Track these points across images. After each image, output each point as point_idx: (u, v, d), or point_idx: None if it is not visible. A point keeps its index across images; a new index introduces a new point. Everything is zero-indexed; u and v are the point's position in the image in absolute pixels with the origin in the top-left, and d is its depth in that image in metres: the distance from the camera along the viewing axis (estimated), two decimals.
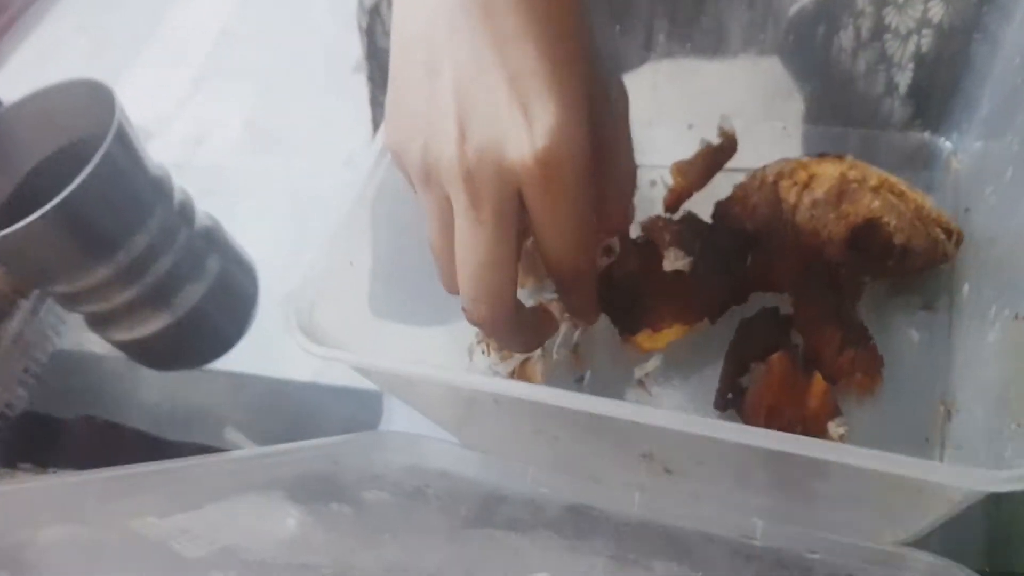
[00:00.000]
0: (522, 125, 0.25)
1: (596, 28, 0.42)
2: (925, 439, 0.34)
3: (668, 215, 0.44)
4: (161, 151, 0.78)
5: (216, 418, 0.50)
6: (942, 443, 0.33)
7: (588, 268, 0.31)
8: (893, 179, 0.37)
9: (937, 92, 0.41)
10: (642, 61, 0.53)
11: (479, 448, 0.40)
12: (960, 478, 0.21)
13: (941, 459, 0.33)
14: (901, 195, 0.37)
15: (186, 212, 0.46)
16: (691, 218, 0.41)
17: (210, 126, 0.87)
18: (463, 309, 0.29)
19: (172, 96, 0.93)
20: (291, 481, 0.34)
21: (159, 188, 0.44)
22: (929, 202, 0.37)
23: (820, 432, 0.34)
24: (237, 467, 0.34)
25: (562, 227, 0.28)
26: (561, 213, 0.27)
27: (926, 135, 0.43)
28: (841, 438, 0.33)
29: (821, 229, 0.37)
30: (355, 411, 0.51)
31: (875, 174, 0.37)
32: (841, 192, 0.37)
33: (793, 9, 0.45)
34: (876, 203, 0.36)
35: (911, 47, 0.40)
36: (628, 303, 0.37)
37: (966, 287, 0.36)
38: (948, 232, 0.36)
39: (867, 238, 0.36)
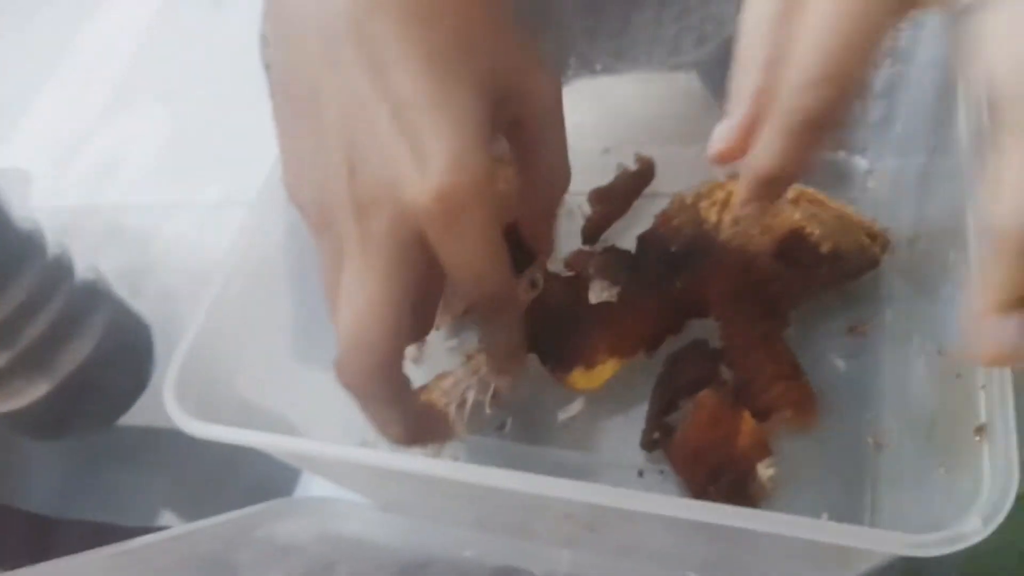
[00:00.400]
0: (412, 161, 0.23)
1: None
2: (855, 474, 0.33)
3: (589, 247, 0.42)
4: (66, 186, 0.73)
5: (113, 488, 0.46)
6: (873, 479, 0.32)
7: (508, 296, 0.28)
8: (810, 191, 0.36)
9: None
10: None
11: (397, 510, 0.37)
12: (881, 542, 0.20)
13: (873, 496, 0.32)
14: (820, 204, 0.36)
15: (63, 266, 0.42)
16: (614, 248, 0.39)
17: (121, 158, 0.82)
18: (335, 365, 0.26)
19: (81, 126, 0.87)
20: (185, 570, 0.31)
21: (29, 243, 0.40)
22: (849, 209, 0.36)
23: (749, 472, 0.32)
24: (124, 560, 0.30)
25: (472, 261, 0.25)
26: (469, 248, 0.24)
27: (842, 154, 0.42)
28: (770, 479, 0.32)
29: (747, 244, 0.36)
30: (271, 464, 0.47)
31: (792, 187, 0.36)
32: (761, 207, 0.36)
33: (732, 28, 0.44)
34: (797, 214, 0.35)
35: None
36: (557, 339, 0.35)
37: (889, 313, 0.35)
38: (873, 236, 0.36)
39: (794, 249, 0.35)
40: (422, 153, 0.23)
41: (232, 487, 0.48)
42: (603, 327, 0.35)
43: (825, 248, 0.35)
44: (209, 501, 0.48)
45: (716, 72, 0.48)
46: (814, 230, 0.35)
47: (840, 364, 0.35)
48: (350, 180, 0.24)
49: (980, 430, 0.20)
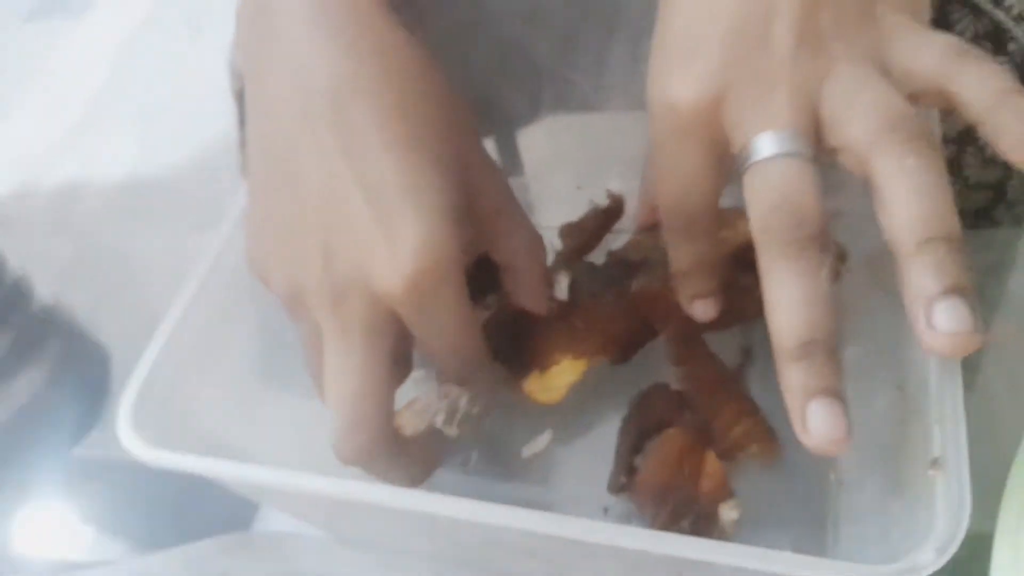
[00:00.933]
0: (385, 246, 0.24)
1: (477, 88, 0.40)
2: (817, 511, 0.33)
3: None
4: (32, 209, 0.72)
5: (62, 521, 0.44)
6: (835, 516, 0.32)
7: (480, 361, 0.30)
8: None
9: None
10: (531, 119, 0.52)
11: (357, 545, 0.36)
12: (837, 574, 0.20)
13: (836, 534, 0.32)
14: None
15: (20, 291, 0.41)
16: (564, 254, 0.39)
17: (87, 181, 0.81)
18: (333, 447, 0.26)
19: (48, 148, 0.86)
20: None
21: None
22: None
23: (712, 513, 0.32)
24: None
25: (445, 336, 0.26)
26: (441, 325, 0.26)
27: None
28: (733, 522, 0.31)
29: None
30: (228, 500, 0.46)
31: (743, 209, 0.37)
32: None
33: None
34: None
35: None
36: (512, 345, 0.35)
37: (851, 350, 0.35)
38: None
39: (750, 259, 0.36)
40: (394, 238, 0.24)
41: (186, 522, 0.47)
42: (553, 325, 0.35)
43: None
44: (161, 536, 0.47)
45: None
46: None
47: None
48: (325, 266, 0.24)
49: (934, 463, 0.20)
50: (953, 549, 0.18)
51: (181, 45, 0.90)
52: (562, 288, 0.35)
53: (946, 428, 0.21)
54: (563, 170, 0.51)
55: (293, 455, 0.39)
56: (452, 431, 0.37)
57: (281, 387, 0.40)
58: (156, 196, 0.75)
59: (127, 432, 0.28)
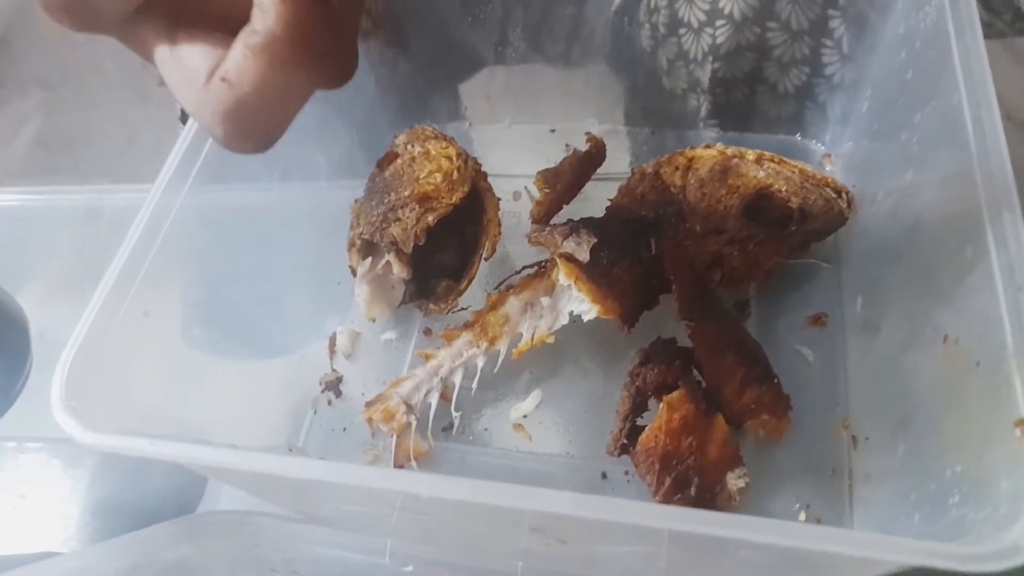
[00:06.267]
0: None
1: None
2: (832, 469, 0.31)
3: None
4: None
5: None
6: (849, 473, 0.30)
7: None
8: (769, 153, 0.35)
9: (771, 89, 0.39)
10: (498, 60, 0.48)
11: (326, 523, 0.33)
12: (930, 556, 0.17)
13: (850, 492, 0.30)
14: (782, 162, 0.35)
15: None
16: (580, 219, 0.36)
17: None
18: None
19: None
20: None
21: None
22: (810, 167, 0.35)
23: (718, 482, 0.30)
24: None
25: None
26: None
27: (796, 137, 0.41)
28: (740, 491, 0.29)
29: (715, 205, 0.34)
30: (172, 475, 0.42)
31: (750, 150, 0.35)
32: (724, 168, 0.34)
33: (613, 7, 0.42)
34: (761, 172, 0.34)
35: (706, 40, 0.38)
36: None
37: (859, 300, 0.33)
38: (838, 191, 0.34)
39: (763, 207, 0.34)
40: None
41: (128, 504, 0.42)
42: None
43: (794, 203, 0.33)
44: (101, 521, 0.42)
45: (615, 59, 0.46)
46: (780, 186, 0.33)
47: (807, 353, 0.34)
48: None
49: (1022, 424, 0.18)
50: None
51: None
52: (584, 251, 0.33)
53: None
54: (536, 114, 0.48)
55: (236, 422, 0.35)
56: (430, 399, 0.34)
57: (218, 353, 0.36)
58: (67, 161, 0.68)
59: (63, 414, 0.24)
